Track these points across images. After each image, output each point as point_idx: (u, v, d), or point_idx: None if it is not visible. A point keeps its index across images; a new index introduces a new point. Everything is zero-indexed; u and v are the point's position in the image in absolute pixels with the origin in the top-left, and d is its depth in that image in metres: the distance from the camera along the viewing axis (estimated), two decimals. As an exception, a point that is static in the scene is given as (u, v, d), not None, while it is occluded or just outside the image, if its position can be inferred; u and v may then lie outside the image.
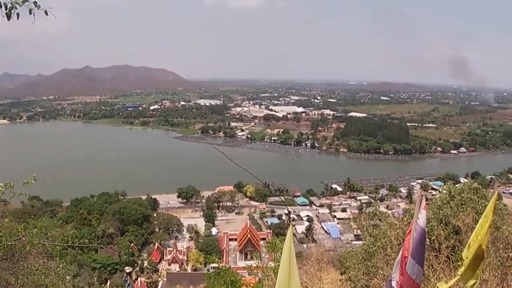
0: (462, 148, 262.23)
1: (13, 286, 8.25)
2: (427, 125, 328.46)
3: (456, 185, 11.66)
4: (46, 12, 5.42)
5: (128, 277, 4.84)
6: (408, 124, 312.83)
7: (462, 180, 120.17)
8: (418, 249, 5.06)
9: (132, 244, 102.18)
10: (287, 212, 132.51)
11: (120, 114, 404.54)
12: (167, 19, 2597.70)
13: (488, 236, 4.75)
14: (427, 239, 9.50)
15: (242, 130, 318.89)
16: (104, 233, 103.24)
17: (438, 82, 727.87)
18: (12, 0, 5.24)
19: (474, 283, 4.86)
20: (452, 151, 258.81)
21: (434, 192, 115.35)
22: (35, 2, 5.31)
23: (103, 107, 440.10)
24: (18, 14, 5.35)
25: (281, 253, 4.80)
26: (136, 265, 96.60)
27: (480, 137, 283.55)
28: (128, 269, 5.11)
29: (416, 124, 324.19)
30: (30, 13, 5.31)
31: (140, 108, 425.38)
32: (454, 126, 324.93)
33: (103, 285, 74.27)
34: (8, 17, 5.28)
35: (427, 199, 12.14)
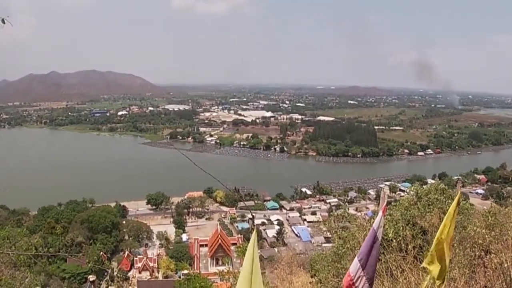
0: (429, 150, 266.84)
1: (-23, 297, 8.05)
2: (394, 128, 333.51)
3: (423, 186, 11.82)
4: (3, 21, 5.33)
5: (92, 285, 4.72)
6: (376, 127, 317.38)
7: (429, 181, 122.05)
8: (365, 249, 5.12)
9: (101, 253, 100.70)
10: (250, 217, 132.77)
11: (88, 120, 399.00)
12: (134, 23, 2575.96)
13: (453, 234, 4.83)
14: (395, 241, 9.61)
15: (211, 135, 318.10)
16: (72, 242, 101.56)
17: (404, 86, 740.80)
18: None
19: (442, 282, 4.93)
20: (419, 153, 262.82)
21: (402, 194, 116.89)
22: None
23: (70, 113, 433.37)
24: None
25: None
26: (105, 273, 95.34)
27: (446, 139, 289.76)
28: (91, 277, 5.00)
29: (384, 127, 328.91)
30: None
31: (108, 114, 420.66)
32: (420, 128, 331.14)
33: (73, 294, 73.26)
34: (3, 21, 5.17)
35: (395, 200, 12.32)
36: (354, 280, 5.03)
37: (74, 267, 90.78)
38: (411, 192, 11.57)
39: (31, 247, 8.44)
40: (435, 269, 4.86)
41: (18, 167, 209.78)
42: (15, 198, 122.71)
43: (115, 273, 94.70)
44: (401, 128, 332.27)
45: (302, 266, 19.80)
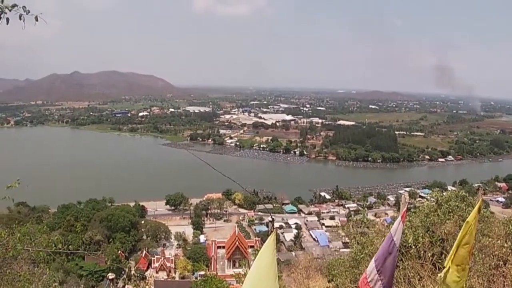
0: (450, 156, 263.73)
1: (-3, 292, 8.15)
2: (415, 133, 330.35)
3: (444, 193, 11.68)
4: (36, 18, 5.39)
5: (111, 283, 4.73)
6: (396, 132, 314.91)
7: (449, 188, 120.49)
8: (381, 253, 5.09)
9: (119, 252, 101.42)
10: (270, 219, 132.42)
11: (109, 120, 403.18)
12: (156, 26, 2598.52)
13: (473, 242, 4.77)
14: (414, 248, 9.52)
15: (231, 138, 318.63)
16: (91, 240, 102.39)
17: (426, 91, 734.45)
18: (1, 5, 5.19)
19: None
20: (440, 159, 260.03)
21: (422, 200, 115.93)
22: (24, 7, 5.27)
23: (91, 113, 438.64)
24: (7, 19, 5.30)
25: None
26: (123, 272, 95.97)
27: (467, 145, 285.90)
28: (110, 275, 5.03)
29: (404, 133, 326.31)
30: (20, 18, 5.27)
31: (129, 115, 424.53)
32: (441, 134, 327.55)
33: (90, 292, 73.79)
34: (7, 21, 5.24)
35: (414, 207, 12.18)
36: (369, 280, 5.01)
37: (92, 265, 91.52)
38: (431, 199, 11.47)
39: (51, 244, 8.50)
40: (453, 276, 4.80)
41: (39, 164, 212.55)
42: (36, 196, 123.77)
43: (132, 272, 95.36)
44: (422, 133, 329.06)
45: (320, 271, 19.73)
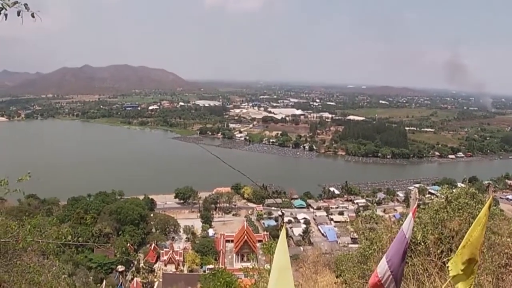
0: (460, 153, 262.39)
1: (7, 283, 8.21)
2: (426, 129, 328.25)
3: (453, 190, 11.62)
4: (32, 15, 5.42)
5: (121, 276, 4.76)
6: (407, 128, 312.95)
7: (459, 185, 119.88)
8: (394, 250, 5.07)
9: (128, 244, 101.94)
10: (280, 214, 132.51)
11: (119, 113, 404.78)
12: (167, 19, 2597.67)
13: (483, 239, 4.75)
14: (423, 244, 9.49)
15: (241, 132, 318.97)
16: (100, 232, 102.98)
17: (437, 87, 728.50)
18: (2, 1, 5.23)
19: (469, 286, 4.85)
20: (450, 156, 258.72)
21: (431, 197, 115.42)
22: (25, 4, 5.30)
23: (101, 106, 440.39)
24: (6, 15, 5.34)
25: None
26: (132, 265, 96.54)
27: (478, 142, 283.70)
28: (120, 268, 5.06)
29: (415, 129, 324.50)
30: (18, 14, 5.32)
31: (139, 108, 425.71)
32: (452, 131, 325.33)
33: (99, 284, 74.12)
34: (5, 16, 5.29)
35: (424, 203, 12.14)
36: (382, 281, 4.99)
37: (101, 257, 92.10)
38: (441, 196, 11.41)
39: (61, 236, 8.56)
40: (460, 273, 4.78)
41: (49, 157, 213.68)
42: (46, 188, 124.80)
43: (141, 265, 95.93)
44: (433, 130, 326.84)
45: (328, 266, 19.72)
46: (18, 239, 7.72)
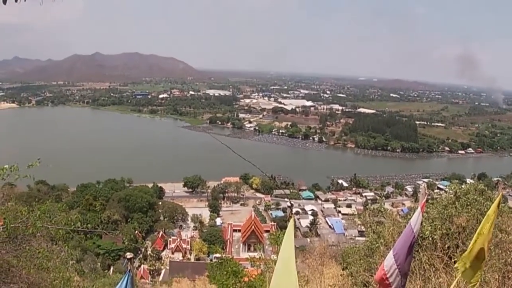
0: (470, 149, 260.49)
1: (16, 268, 8.29)
2: (436, 124, 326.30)
3: (462, 186, 11.57)
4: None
5: (129, 263, 4.82)
6: (417, 122, 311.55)
7: (468, 180, 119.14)
8: (401, 245, 5.07)
9: (136, 232, 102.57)
10: (289, 205, 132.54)
11: (129, 101, 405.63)
12: (178, 7, 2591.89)
13: (491, 236, 4.74)
14: (430, 239, 9.48)
15: (250, 122, 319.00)
16: (109, 219, 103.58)
17: (448, 82, 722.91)
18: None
19: (475, 284, 4.85)
20: (460, 151, 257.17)
21: (440, 192, 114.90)
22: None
23: (112, 94, 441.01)
24: (4, 1, 5.26)
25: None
26: (139, 252, 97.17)
27: (488, 138, 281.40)
28: (129, 254, 5.10)
29: (425, 123, 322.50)
30: None
31: (149, 96, 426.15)
32: (462, 126, 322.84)
33: (106, 270, 74.75)
34: (4, 1, 5.19)
35: (432, 198, 12.10)
36: (388, 275, 4.99)
37: (109, 244, 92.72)
38: (450, 191, 11.38)
39: (70, 222, 8.62)
40: (469, 270, 4.78)
41: (59, 144, 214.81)
42: (55, 174, 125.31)
43: (148, 252, 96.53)
44: (443, 124, 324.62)
45: (334, 258, 19.75)
46: (27, 225, 7.78)
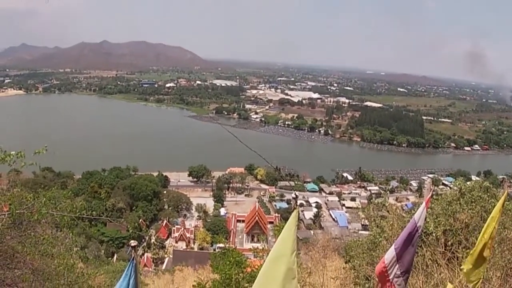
0: (476, 146, 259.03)
1: (20, 254, 8.35)
2: (443, 119, 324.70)
3: (467, 182, 11.55)
4: None
5: (133, 250, 4.85)
6: (424, 117, 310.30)
7: (473, 177, 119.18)
8: (402, 239, 5.07)
9: (140, 220, 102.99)
10: (294, 196, 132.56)
11: (136, 90, 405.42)
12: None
13: (495, 235, 4.74)
14: (433, 235, 9.48)
15: (256, 113, 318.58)
16: (113, 207, 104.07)
17: (456, 77, 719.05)
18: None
19: (478, 281, 4.85)
20: (466, 148, 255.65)
21: (445, 188, 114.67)
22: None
23: (119, 82, 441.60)
24: None
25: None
26: (143, 240, 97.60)
27: (495, 135, 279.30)
28: (133, 242, 5.12)
29: (432, 118, 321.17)
30: None
31: (156, 85, 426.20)
32: (469, 123, 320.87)
33: (110, 258, 75.16)
34: None
35: (437, 194, 12.09)
36: (387, 268, 5.01)
37: (113, 232, 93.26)
38: (455, 187, 11.36)
39: (75, 209, 8.66)
40: (472, 268, 4.79)
41: (65, 131, 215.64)
42: (61, 161, 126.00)
43: (152, 241, 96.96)
44: (450, 120, 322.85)
45: (337, 251, 19.79)
46: (33, 211, 7.81)
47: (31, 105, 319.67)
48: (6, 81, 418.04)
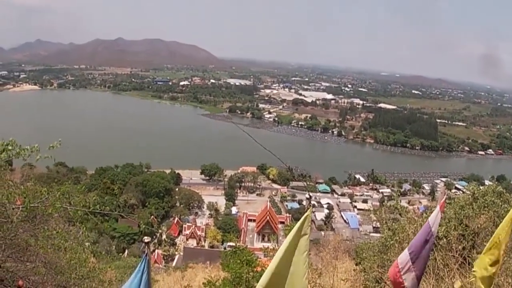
0: (490, 150, 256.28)
1: (33, 247, 8.42)
2: (457, 123, 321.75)
3: (480, 187, 11.48)
4: None
5: (146, 246, 4.88)
6: (438, 120, 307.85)
7: (487, 182, 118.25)
8: (417, 243, 5.05)
9: (152, 216, 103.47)
10: (308, 196, 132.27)
11: (150, 87, 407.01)
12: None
13: (508, 241, 4.70)
14: (445, 239, 9.43)
15: (270, 113, 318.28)
16: (126, 203, 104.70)
17: (471, 80, 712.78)
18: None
19: (489, 286, 4.82)
20: (480, 152, 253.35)
21: (457, 192, 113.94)
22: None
23: (133, 80, 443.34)
24: None
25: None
26: (154, 237, 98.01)
27: (509, 140, 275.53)
28: (146, 238, 5.15)
29: (446, 121, 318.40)
30: None
31: (170, 83, 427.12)
32: (484, 126, 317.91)
33: (121, 254, 75.53)
34: None
35: (449, 198, 12.02)
36: (401, 272, 4.99)
37: (124, 227, 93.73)
38: (468, 192, 11.29)
39: (88, 204, 8.71)
40: (484, 273, 4.75)
41: (79, 127, 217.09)
42: (74, 157, 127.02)
43: (163, 238, 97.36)
44: (464, 124, 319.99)
45: (348, 253, 19.76)
46: (47, 205, 7.87)
47: (46, 100, 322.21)
48: (22, 76, 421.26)
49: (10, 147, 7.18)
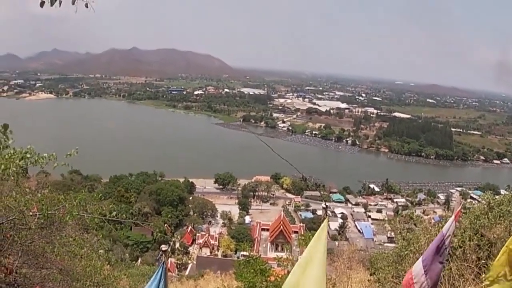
0: (506, 159, 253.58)
1: (49, 254, 8.51)
2: (472, 132, 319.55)
3: (496, 196, 11.39)
4: (86, 5, 5.56)
5: (163, 254, 4.92)
6: (453, 129, 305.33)
7: (502, 191, 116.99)
8: (430, 252, 5.04)
9: (166, 225, 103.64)
10: (324, 206, 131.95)
11: (164, 96, 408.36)
12: (214, 5, 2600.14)
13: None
14: (460, 249, 9.37)
15: (284, 122, 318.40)
16: (139, 211, 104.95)
17: (486, 89, 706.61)
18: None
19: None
20: (495, 161, 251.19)
21: (473, 202, 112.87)
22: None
23: (148, 89, 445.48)
24: (60, 2, 5.48)
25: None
26: (168, 245, 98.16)
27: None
28: (164, 247, 5.22)
29: (461, 130, 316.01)
30: (73, 3, 5.47)
31: (184, 92, 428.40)
32: (499, 135, 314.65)
33: (134, 262, 75.69)
34: (52, 3, 5.41)
35: (465, 208, 11.93)
36: (415, 281, 4.98)
37: (138, 236, 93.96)
38: (483, 201, 11.21)
39: (103, 212, 8.80)
40: (497, 281, 4.72)
41: (94, 135, 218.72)
42: (89, 165, 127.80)
43: (176, 246, 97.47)
44: (479, 132, 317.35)
45: (362, 263, 19.66)
46: (63, 212, 7.96)
47: (61, 109, 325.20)
48: (38, 84, 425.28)
49: (28, 155, 7.28)
